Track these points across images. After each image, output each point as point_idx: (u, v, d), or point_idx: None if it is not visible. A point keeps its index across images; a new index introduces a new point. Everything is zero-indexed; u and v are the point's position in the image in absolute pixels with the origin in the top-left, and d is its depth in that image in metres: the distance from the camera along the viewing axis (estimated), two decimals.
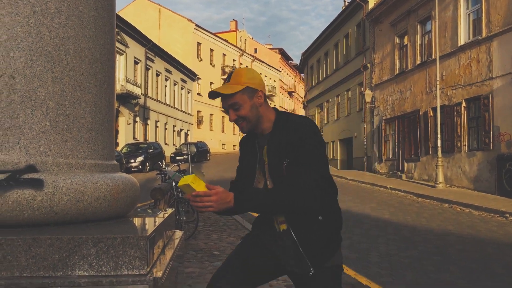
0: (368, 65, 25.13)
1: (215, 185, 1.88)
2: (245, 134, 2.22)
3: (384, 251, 6.88)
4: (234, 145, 53.18)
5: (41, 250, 1.79)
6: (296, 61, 68.70)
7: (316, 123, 35.26)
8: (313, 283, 2.00)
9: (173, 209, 3.25)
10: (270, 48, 71.52)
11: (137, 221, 2.59)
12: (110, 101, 2.54)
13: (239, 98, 1.99)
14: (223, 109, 2.14)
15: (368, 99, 23.74)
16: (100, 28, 2.45)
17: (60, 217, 2.09)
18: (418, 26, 20.25)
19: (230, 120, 2.05)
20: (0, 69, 2.13)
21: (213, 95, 2.05)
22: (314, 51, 37.03)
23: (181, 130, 43.87)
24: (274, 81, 65.52)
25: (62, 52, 2.25)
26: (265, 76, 62.07)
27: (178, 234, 3.01)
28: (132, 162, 23.75)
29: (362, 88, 26.03)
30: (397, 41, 22.17)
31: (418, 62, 20.06)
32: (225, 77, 51.10)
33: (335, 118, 31.54)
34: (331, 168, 29.28)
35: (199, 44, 49.18)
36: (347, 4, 30.60)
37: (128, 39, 31.84)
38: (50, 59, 2.21)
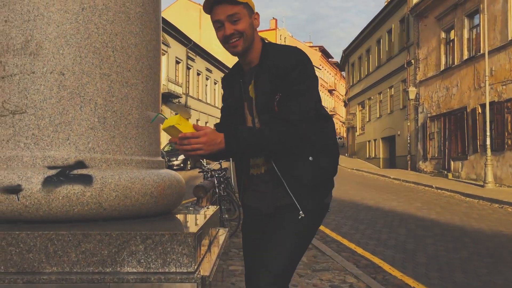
0: (412, 61, 24.50)
1: (203, 126, 1.71)
2: (227, 72, 2.09)
3: (432, 252, 6.65)
4: None
5: (91, 245, 1.79)
6: (337, 58, 67.93)
7: (358, 121, 34.62)
8: (284, 228, 1.86)
9: (216, 206, 3.22)
10: (310, 46, 71.01)
11: (183, 218, 2.57)
12: (155, 98, 2.53)
13: (241, 10, 1.80)
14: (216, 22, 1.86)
15: (412, 96, 23.15)
16: (146, 24, 2.44)
17: (108, 213, 2.10)
18: (466, 20, 19.55)
19: (224, 34, 1.81)
20: (50, 66, 2.16)
21: (207, 3, 1.83)
22: (355, 48, 36.48)
23: None
24: None
25: (110, 48, 2.26)
26: None
27: (223, 232, 2.98)
28: (174, 161, 24.11)
29: (405, 85, 25.41)
30: (443, 36, 21.50)
31: (465, 57, 19.38)
32: None
33: (377, 116, 30.94)
34: (373, 167, 28.78)
35: None
36: None
37: (169, 39, 32.35)
38: (98, 55, 2.22)
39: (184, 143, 1.65)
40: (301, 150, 1.82)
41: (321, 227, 8.42)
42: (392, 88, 28.14)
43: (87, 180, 2.06)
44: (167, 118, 1.62)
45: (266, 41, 1.95)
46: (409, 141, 24.89)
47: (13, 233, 1.81)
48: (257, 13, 1.88)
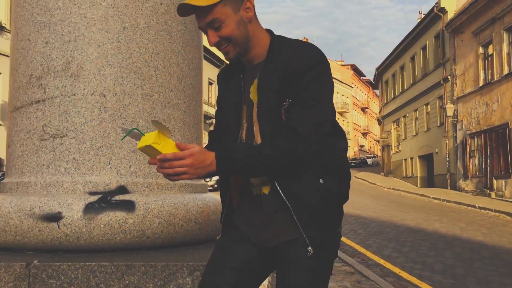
0: (449, 77, 23.93)
1: (189, 143, 1.38)
2: (224, 66, 1.68)
3: (482, 276, 6.26)
4: None
5: (135, 278, 1.67)
6: (369, 76, 67.42)
7: (393, 139, 33.89)
8: (295, 268, 1.45)
9: None
10: (342, 65, 70.75)
11: None
12: (198, 118, 2.42)
13: (220, 12, 1.43)
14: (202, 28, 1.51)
15: (449, 113, 22.52)
16: (188, 43, 2.35)
17: (152, 241, 1.97)
18: (505, 34, 18.98)
19: (211, 44, 1.48)
20: (91, 87, 2.08)
21: (184, 9, 1.44)
22: (389, 65, 36.03)
23: None
24: (347, 97, 64.54)
25: (152, 68, 2.16)
26: (337, 92, 61.29)
27: None
28: (208, 181, 24.13)
29: (442, 102, 24.80)
30: (480, 51, 20.92)
31: (505, 72, 18.75)
32: None
33: (414, 134, 30.26)
34: (410, 186, 28.03)
35: None
36: (423, 16, 29.53)
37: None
38: (140, 75, 2.13)
39: (164, 166, 1.31)
40: (310, 170, 1.49)
41: (362, 250, 8.12)
42: (429, 105, 27.50)
43: (129, 206, 1.95)
44: (143, 134, 1.33)
45: (274, 34, 1.58)
46: (447, 159, 24.15)
47: (54, 265, 1.70)
48: (248, 0, 1.48)
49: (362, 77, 74.90)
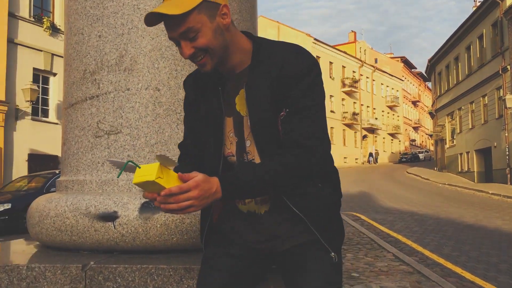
0: (508, 67, 22.73)
1: (190, 173, 1.22)
2: (193, 72, 1.51)
3: None
4: (356, 158, 51.83)
5: (194, 282, 1.57)
6: (420, 69, 65.41)
7: (447, 133, 32.85)
8: (317, 270, 1.33)
9: None
10: (391, 57, 68.97)
11: None
12: None
13: (195, 21, 1.27)
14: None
15: (509, 104, 21.39)
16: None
17: None
18: None
19: (185, 56, 1.31)
20: (145, 81, 1.99)
21: (152, 18, 1.28)
22: (442, 57, 34.74)
23: None
24: (397, 91, 62.86)
25: None
26: (387, 86, 59.84)
27: None
28: None
29: (501, 93, 23.60)
30: None
31: None
32: (346, 89, 50.35)
33: (470, 127, 29.02)
34: (467, 181, 26.92)
35: (318, 57, 49.04)
36: (478, 3, 28.22)
37: None
38: (195, 67, 2.03)
39: (169, 201, 1.18)
40: (311, 180, 1.40)
41: (419, 248, 7.80)
42: (486, 97, 26.28)
43: None
44: (139, 167, 1.18)
45: (255, 37, 1.42)
46: (508, 152, 22.98)
47: (110, 267, 1.63)
48: (225, 5, 1.32)
49: (413, 70, 72.71)
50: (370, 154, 51.80)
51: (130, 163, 1.18)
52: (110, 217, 1.83)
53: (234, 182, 1.25)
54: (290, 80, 1.30)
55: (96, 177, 1.99)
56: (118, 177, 1.28)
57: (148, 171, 1.17)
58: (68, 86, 2.17)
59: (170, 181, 1.19)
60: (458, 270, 6.30)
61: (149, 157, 1.95)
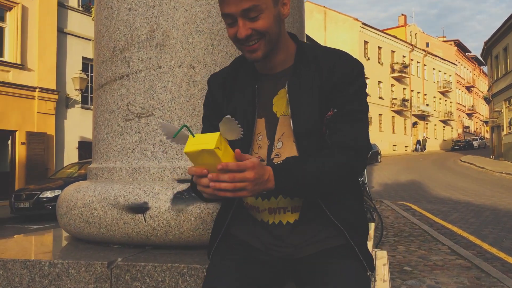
0: None
1: (245, 153, 1.10)
2: (219, 71, 1.42)
3: None
4: (405, 146, 50.40)
5: None
6: (475, 52, 62.52)
7: (505, 119, 31.48)
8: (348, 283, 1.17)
9: None
10: (443, 41, 66.28)
11: None
12: None
13: (261, 0, 1.20)
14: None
15: None
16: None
17: None
18: None
19: (240, 36, 1.22)
20: (178, 58, 1.79)
21: None
22: (499, 39, 32.97)
23: None
24: (450, 75, 60.42)
25: None
26: (439, 71, 57.66)
27: (382, 254, 2.42)
28: None
29: None
30: None
31: None
32: (395, 75, 48.88)
33: None
34: None
35: (366, 42, 47.81)
36: None
37: None
38: (231, 45, 1.81)
39: (224, 179, 1.04)
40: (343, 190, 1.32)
41: (477, 241, 7.37)
42: None
43: None
44: (193, 135, 1.05)
45: (299, 39, 1.38)
46: None
47: (139, 265, 1.45)
48: None
49: (467, 53, 69.64)
50: (418, 142, 50.23)
51: (185, 127, 1.06)
52: (140, 208, 1.65)
53: (287, 174, 1.14)
54: (340, 84, 1.25)
55: (127, 164, 1.82)
56: (174, 137, 1.08)
57: (205, 140, 1.03)
58: (98, 65, 2.00)
59: (227, 155, 1.05)
60: None
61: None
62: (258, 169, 1.08)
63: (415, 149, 49.88)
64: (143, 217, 1.64)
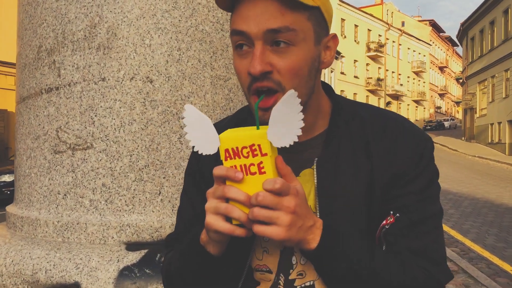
0: None
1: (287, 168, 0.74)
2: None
3: None
4: None
5: None
6: (449, 33, 62.99)
7: (478, 102, 31.81)
8: None
9: None
10: (419, 21, 66.38)
11: None
12: None
13: (301, 23, 0.78)
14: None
15: None
16: None
17: None
18: None
19: (253, 71, 0.77)
20: (130, 67, 1.28)
21: None
22: (476, 21, 33.01)
23: None
24: (424, 55, 60.75)
25: (228, 33, 1.31)
26: (414, 51, 57.81)
27: None
28: None
29: None
30: None
31: None
32: (371, 54, 48.79)
33: (503, 96, 27.73)
34: (498, 153, 25.88)
35: (342, 20, 47.33)
36: None
37: None
38: (209, 45, 1.31)
39: (264, 202, 0.69)
40: None
41: (460, 237, 7.16)
42: None
43: None
44: (235, 130, 0.73)
45: (334, 94, 0.95)
46: None
47: None
48: (334, 35, 0.87)
49: (441, 34, 70.12)
50: None
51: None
52: None
53: (337, 241, 0.78)
54: (402, 175, 0.85)
55: (55, 216, 1.28)
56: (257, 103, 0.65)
57: (253, 136, 0.71)
58: (20, 70, 1.44)
59: (271, 167, 0.72)
60: (507, 267, 5.62)
61: (135, 188, 1.23)
62: (302, 201, 0.73)
63: None
64: None
